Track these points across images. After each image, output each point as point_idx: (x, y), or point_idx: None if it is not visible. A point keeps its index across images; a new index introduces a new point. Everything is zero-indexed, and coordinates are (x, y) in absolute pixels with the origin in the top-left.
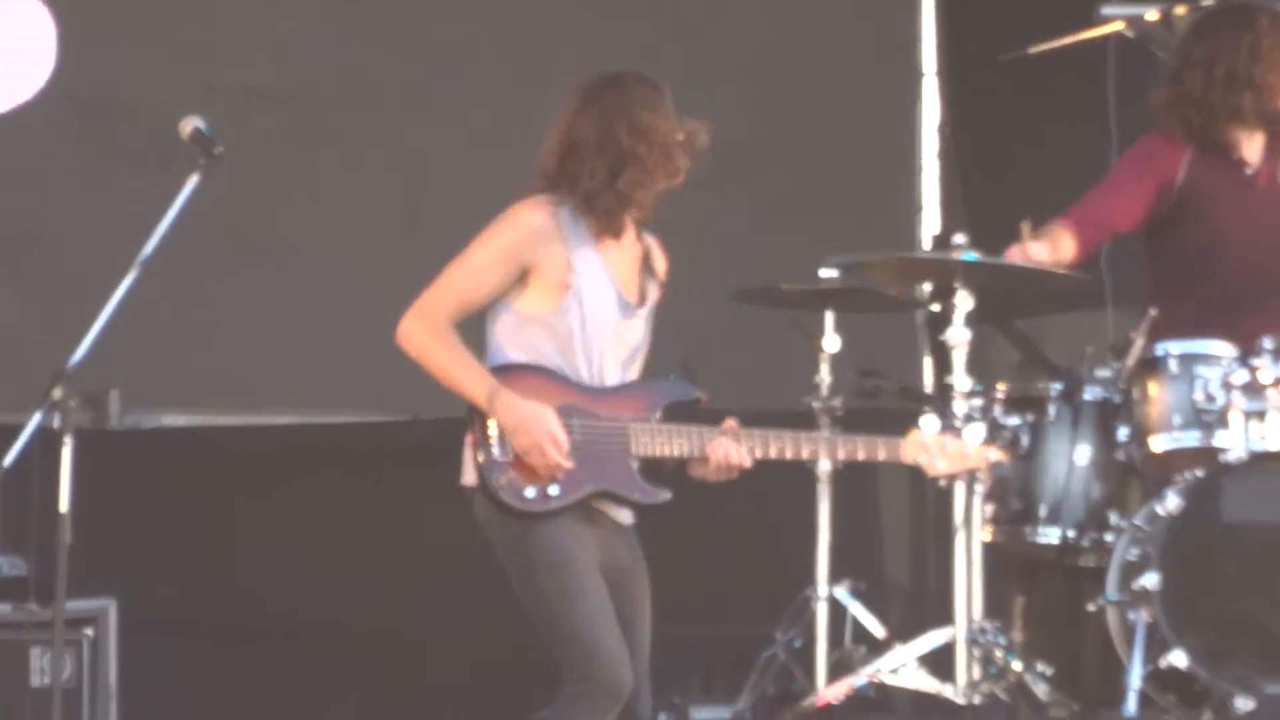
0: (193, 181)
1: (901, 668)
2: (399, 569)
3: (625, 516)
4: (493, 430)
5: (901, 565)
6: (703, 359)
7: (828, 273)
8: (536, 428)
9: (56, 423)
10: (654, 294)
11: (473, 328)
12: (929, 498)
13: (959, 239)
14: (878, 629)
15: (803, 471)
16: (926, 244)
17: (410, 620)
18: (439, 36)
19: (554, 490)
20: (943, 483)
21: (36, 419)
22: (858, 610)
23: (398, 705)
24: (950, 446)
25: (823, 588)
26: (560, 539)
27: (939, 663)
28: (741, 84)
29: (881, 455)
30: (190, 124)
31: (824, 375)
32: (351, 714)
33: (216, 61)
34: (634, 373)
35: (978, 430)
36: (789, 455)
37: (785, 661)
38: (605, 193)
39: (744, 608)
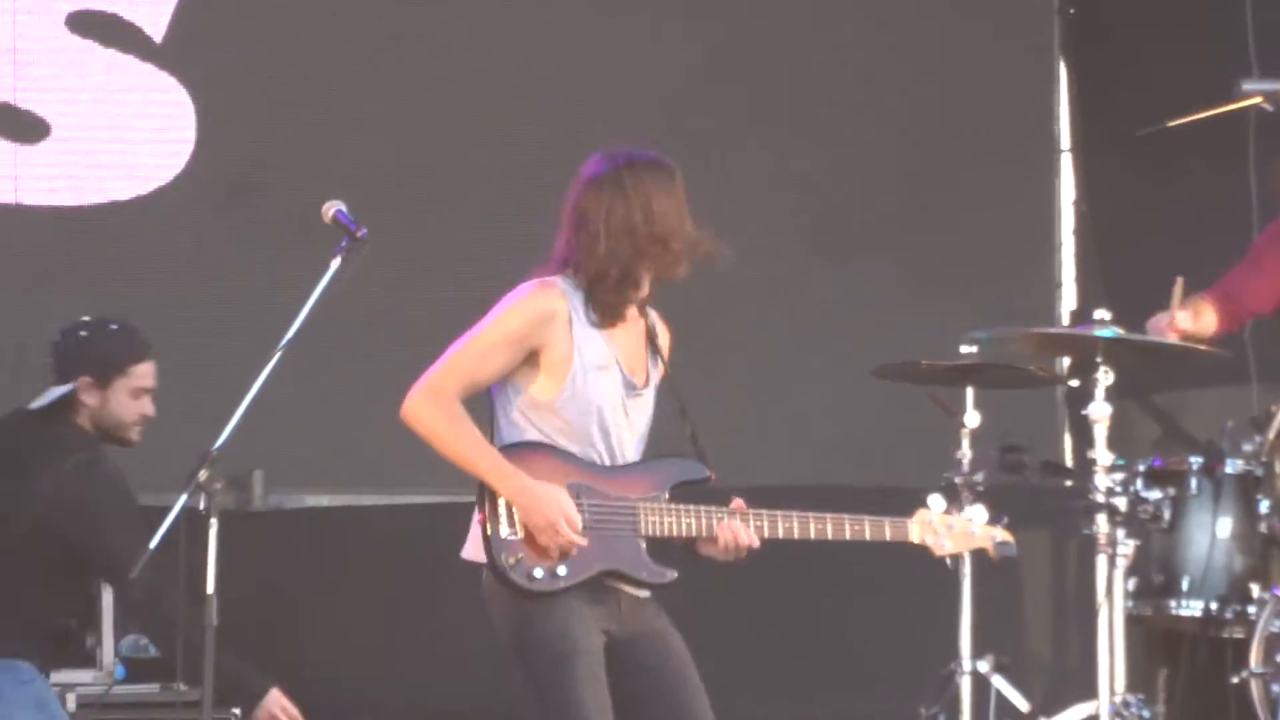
0: (335, 265)
1: None
2: None
3: (641, 590)
4: (502, 508)
5: (1044, 639)
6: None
7: (968, 349)
8: (550, 507)
9: (202, 504)
10: (657, 373)
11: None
12: (1071, 571)
13: (1100, 314)
14: (1022, 703)
15: None
16: (1065, 319)
17: None
18: (570, 110)
19: (562, 570)
20: (949, 562)
21: (182, 501)
22: (1001, 685)
23: None
24: (956, 526)
25: (966, 662)
26: (566, 625)
27: None
28: (881, 160)
29: (888, 535)
30: (332, 208)
31: (965, 451)
32: None
33: (350, 142)
34: (639, 452)
35: (980, 510)
36: (797, 535)
37: None
38: (609, 278)
39: (889, 684)
